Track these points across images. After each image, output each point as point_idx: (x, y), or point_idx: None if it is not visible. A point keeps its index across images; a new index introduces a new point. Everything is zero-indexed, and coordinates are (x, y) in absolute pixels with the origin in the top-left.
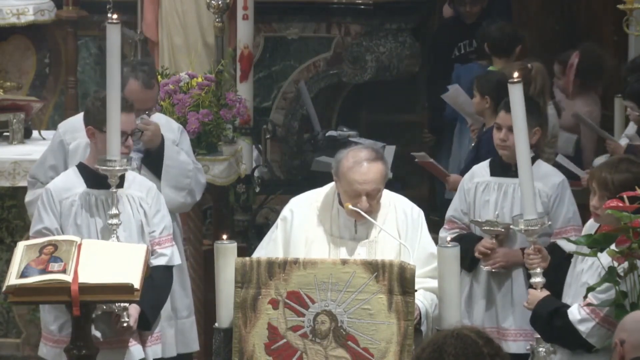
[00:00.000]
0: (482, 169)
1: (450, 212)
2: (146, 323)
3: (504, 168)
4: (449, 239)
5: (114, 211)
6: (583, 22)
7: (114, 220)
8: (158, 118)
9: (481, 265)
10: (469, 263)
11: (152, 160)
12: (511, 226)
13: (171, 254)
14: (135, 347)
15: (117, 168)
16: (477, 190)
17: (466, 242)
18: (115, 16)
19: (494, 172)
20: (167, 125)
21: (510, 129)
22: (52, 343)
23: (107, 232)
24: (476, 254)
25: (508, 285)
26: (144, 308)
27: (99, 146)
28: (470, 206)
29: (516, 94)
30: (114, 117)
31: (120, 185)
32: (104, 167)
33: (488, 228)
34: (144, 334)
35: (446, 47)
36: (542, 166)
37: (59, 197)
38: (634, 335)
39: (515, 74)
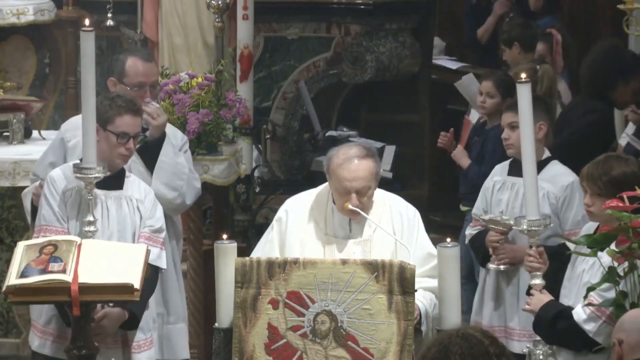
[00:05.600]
0: (502, 167)
1: (474, 210)
2: (133, 320)
3: (520, 168)
4: (470, 235)
5: (89, 218)
6: (583, 22)
7: (91, 228)
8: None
9: (488, 265)
10: (482, 258)
11: (148, 152)
12: (513, 226)
13: (158, 254)
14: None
15: (93, 176)
16: (494, 189)
17: (481, 238)
18: (88, 22)
19: (511, 171)
20: (171, 134)
21: (510, 127)
22: (38, 333)
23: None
24: (489, 250)
25: (515, 284)
26: (130, 307)
27: (101, 144)
28: (488, 204)
29: (524, 94)
30: (90, 125)
31: (120, 187)
32: (79, 175)
33: (492, 226)
34: (133, 340)
35: None
36: (555, 167)
37: (64, 187)
38: (632, 336)
39: (523, 74)
